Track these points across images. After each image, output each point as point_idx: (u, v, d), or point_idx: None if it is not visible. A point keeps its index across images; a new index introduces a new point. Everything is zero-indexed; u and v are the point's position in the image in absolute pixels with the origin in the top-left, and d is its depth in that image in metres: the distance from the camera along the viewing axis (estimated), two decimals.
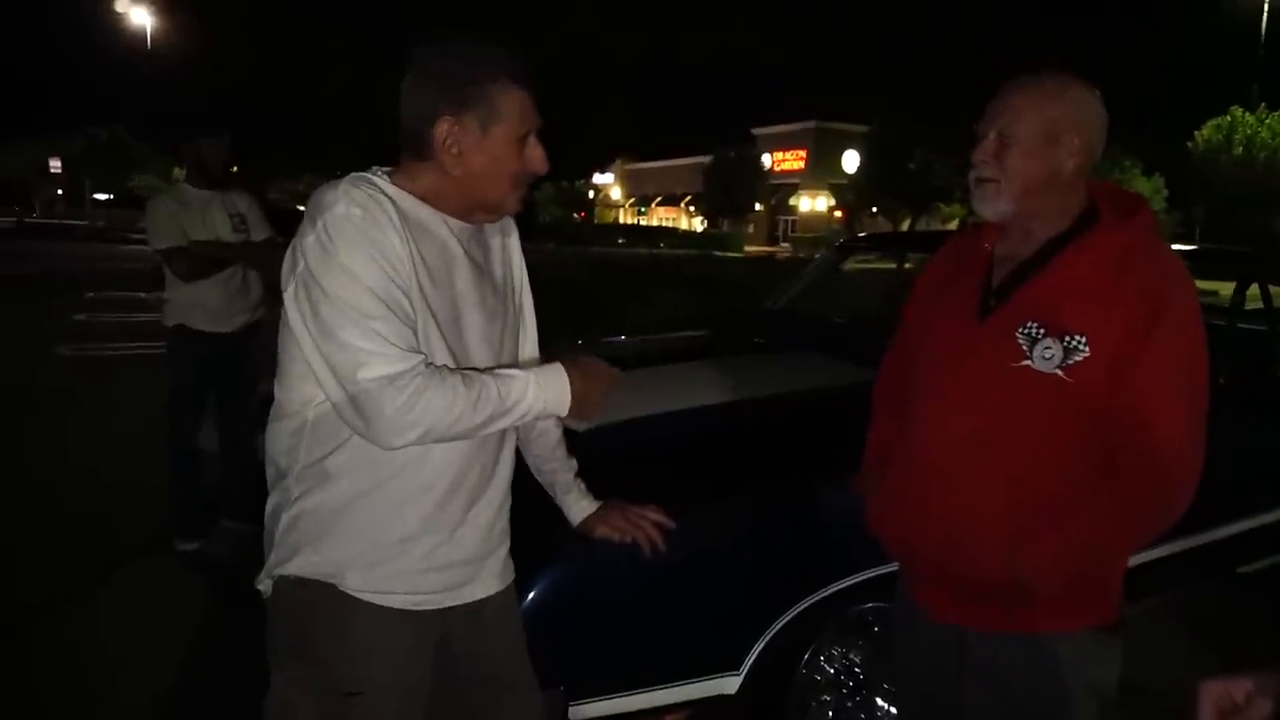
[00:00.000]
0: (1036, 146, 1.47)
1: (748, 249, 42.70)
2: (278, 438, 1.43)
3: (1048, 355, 1.43)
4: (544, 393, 1.40)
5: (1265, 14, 36.00)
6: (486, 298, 1.47)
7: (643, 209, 63.56)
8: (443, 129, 1.35)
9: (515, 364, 1.57)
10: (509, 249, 1.59)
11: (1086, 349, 1.41)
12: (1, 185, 48.81)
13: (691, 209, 55.89)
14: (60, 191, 55.97)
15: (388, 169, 1.42)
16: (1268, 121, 35.35)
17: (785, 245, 45.76)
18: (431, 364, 1.32)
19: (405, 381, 1.26)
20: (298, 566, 1.40)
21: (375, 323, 1.26)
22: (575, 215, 63.16)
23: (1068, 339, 1.42)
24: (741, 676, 1.92)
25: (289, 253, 1.35)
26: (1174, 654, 3.12)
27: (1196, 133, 37.08)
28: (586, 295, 13.78)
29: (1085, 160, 1.49)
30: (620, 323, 8.94)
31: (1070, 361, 1.42)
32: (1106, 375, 1.41)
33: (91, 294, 12.63)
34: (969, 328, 1.53)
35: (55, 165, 48.73)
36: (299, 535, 1.40)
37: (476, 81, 1.35)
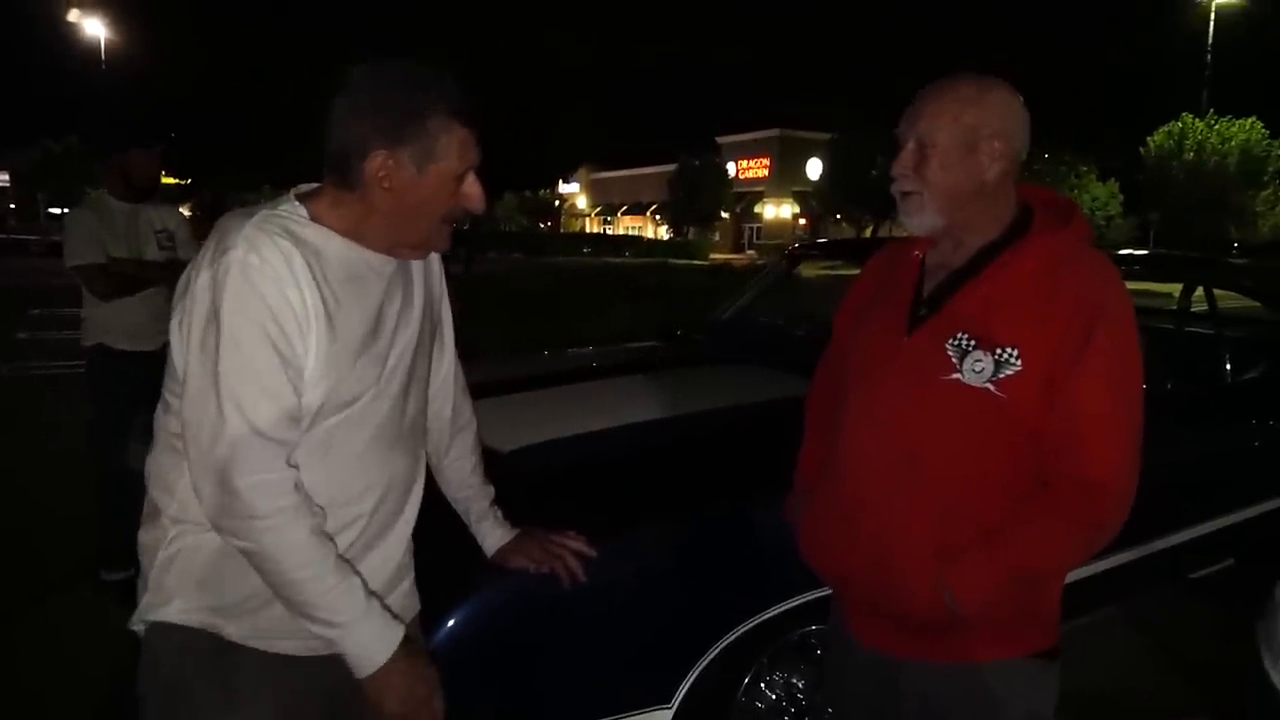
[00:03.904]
0: (955, 155, 1.39)
1: (714, 256, 42.82)
2: (156, 470, 1.32)
3: (978, 369, 1.36)
4: (361, 637, 1.24)
5: (1212, 22, 36.91)
6: (401, 328, 1.36)
7: (609, 218, 63.62)
8: (375, 163, 1.24)
9: (417, 490, 1.44)
10: (429, 271, 1.48)
11: (1018, 362, 1.34)
12: None
13: (657, 217, 56.03)
14: (12, 206, 54.76)
15: (310, 188, 1.31)
16: (1216, 128, 36.21)
17: (751, 252, 45.96)
18: (300, 488, 1.21)
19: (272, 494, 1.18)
20: (173, 613, 1.29)
21: (251, 410, 1.16)
22: (541, 224, 63.15)
23: (999, 351, 1.35)
24: (673, 710, 1.82)
25: (185, 273, 1.24)
26: (1127, 662, 3.10)
27: (1149, 139, 37.87)
28: (545, 305, 13.64)
29: (1009, 165, 1.42)
30: (569, 333, 8.85)
31: (1001, 375, 1.34)
32: (1040, 389, 1.34)
33: (37, 311, 12.26)
34: (897, 340, 1.46)
35: (3, 179, 47.67)
36: (174, 578, 1.29)
37: (416, 116, 1.24)
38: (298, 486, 1.21)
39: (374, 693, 1.26)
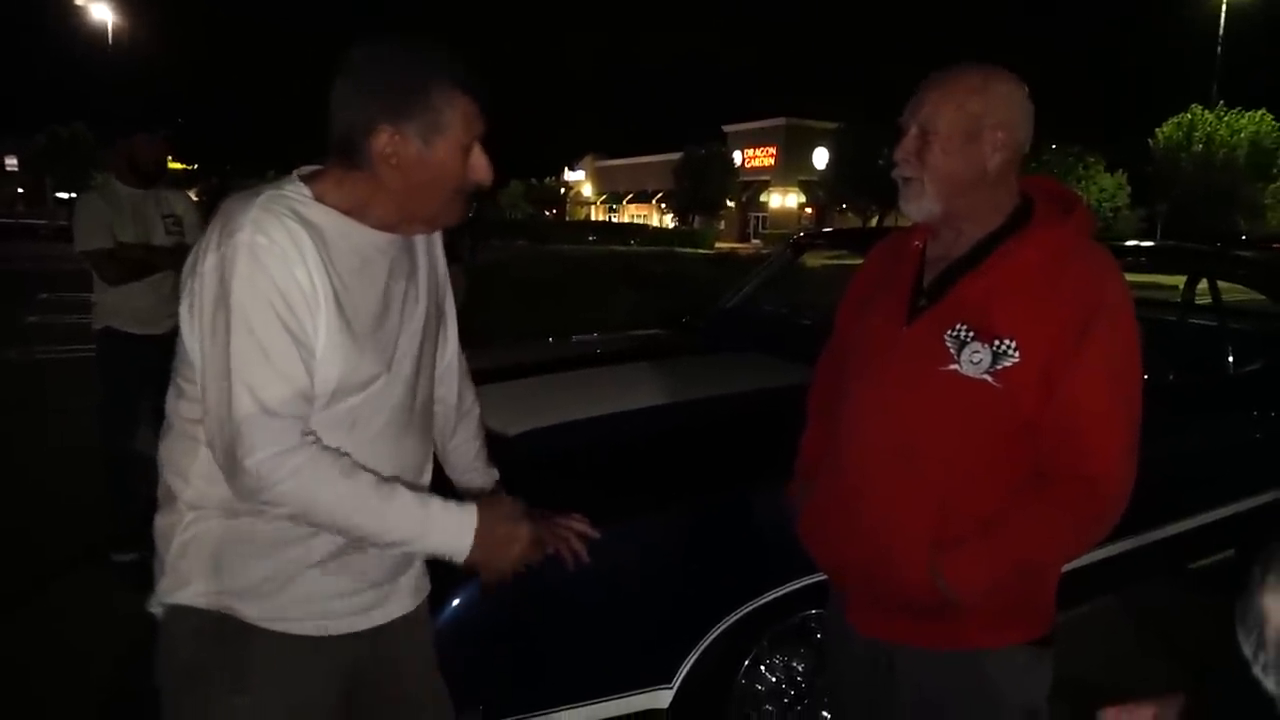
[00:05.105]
0: (957, 142, 1.40)
1: (719, 245, 42.75)
2: (170, 455, 1.34)
3: (975, 359, 1.37)
4: (438, 538, 1.27)
5: (1223, 13, 36.59)
6: (409, 310, 1.38)
7: (614, 206, 63.46)
8: (381, 140, 1.24)
9: (426, 474, 1.45)
10: (433, 252, 1.50)
11: (1016, 354, 1.35)
12: None
13: (663, 206, 55.91)
14: (20, 190, 54.94)
15: (314, 169, 1.31)
16: (1226, 119, 35.98)
17: (757, 241, 45.86)
18: (320, 445, 1.21)
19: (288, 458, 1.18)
20: (190, 596, 1.30)
21: (263, 390, 1.17)
22: (546, 212, 63.11)
23: (997, 343, 1.36)
24: (674, 690, 1.85)
25: (192, 254, 1.25)
26: (1126, 651, 3.12)
27: (1158, 130, 37.65)
28: (550, 293, 13.65)
29: (1011, 155, 1.43)
30: (575, 321, 8.85)
31: (999, 366, 1.35)
32: (1037, 382, 1.35)
33: (45, 295, 12.26)
34: (896, 330, 1.47)
35: (12, 163, 47.80)
36: (190, 562, 1.30)
37: (419, 89, 1.24)
38: (309, 440, 1.20)
39: (478, 568, 1.31)
